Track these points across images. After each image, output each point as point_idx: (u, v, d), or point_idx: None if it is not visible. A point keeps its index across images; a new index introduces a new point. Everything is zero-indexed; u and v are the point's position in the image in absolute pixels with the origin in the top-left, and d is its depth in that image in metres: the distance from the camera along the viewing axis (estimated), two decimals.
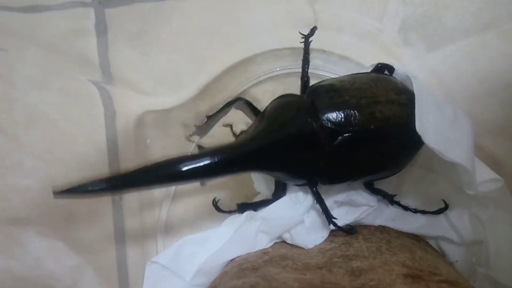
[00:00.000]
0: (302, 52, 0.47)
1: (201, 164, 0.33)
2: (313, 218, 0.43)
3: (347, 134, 0.39)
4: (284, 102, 0.41)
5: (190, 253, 0.45)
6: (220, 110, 0.46)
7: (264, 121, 0.39)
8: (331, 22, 0.49)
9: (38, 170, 0.52)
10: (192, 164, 0.32)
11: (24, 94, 0.48)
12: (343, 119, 0.39)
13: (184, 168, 0.32)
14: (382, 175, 0.43)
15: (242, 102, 0.44)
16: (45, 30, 0.46)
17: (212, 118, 0.47)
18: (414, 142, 0.42)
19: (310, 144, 0.38)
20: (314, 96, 0.41)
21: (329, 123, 0.39)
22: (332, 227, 0.42)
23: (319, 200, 0.41)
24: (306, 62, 0.44)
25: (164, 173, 0.32)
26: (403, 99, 0.41)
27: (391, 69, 0.45)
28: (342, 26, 0.49)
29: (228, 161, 0.34)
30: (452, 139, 0.38)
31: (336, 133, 0.39)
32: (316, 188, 0.42)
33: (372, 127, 0.39)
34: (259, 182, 0.47)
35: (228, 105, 0.45)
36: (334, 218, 0.41)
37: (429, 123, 0.37)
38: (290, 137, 0.38)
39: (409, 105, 0.41)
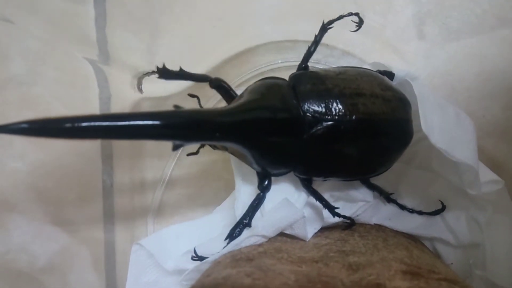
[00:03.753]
0: (304, 45, 0.46)
1: (186, 120, 0.30)
2: (308, 210, 0.42)
3: (327, 123, 0.37)
4: (267, 82, 0.40)
5: (177, 241, 0.44)
6: (193, 75, 0.43)
7: (246, 96, 0.38)
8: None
9: (28, 153, 0.51)
10: (173, 119, 0.29)
11: (20, 72, 0.46)
12: (323, 107, 0.38)
13: (162, 123, 0.28)
14: (364, 174, 0.42)
15: (220, 83, 0.42)
16: (45, 1, 0.45)
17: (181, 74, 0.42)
18: (398, 141, 0.41)
19: (289, 128, 0.37)
20: (296, 82, 0.40)
21: (309, 110, 0.37)
22: (328, 220, 0.42)
23: (318, 197, 0.40)
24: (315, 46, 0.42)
25: (140, 124, 0.28)
26: (388, 95, 0.40)
27: (390, 75, 0.44)
28: (347, 20, 0.48)
29: (211, 123, 0.32)
30: (457, 138, 0.37)
31: (315, 121, 0.37)
32: (312, 187, 0.41)
33: (354, 119, 0.38)
34: (238, 178, 0.45)
35: (205, 79, 0.43)
36: (336, 208, 0.41)
37: (433, 123, 0.37)
38: (269, 114, 0.36)
39: (394, 102, 0.40)
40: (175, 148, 0.31)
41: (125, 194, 0.52)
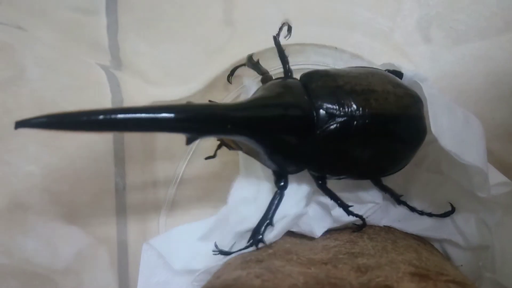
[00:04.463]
0: (313, 48, 0.47)
1: (199, 113, 0.31)
2: (315, 208, 0.43)
3: (339, 119, 0.37)
4: (279, 81, 0.41)
5: (185, 240, 0.45)
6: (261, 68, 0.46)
7: (258, 93, 0.38)
8: (344, 20, 0.49)
9: (42, 156, 0.52)
10: (186, 111, 0.30)
11: (34, 78, 0.47)
12: (336, 103, 0.38)
13: (176, 115, 0.29)
14: (377, 172, 0.42)
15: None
16: (56, 9, 0.46)
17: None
18: (411, 138, 0.41)
19: (301, 124, 0.37)
20: (307, 80, 0.40)
21: (321, 106, 0.37)
22: (340, 219, 0.42)
23: (333, 196, 0.41)
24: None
25: (154, 117, 0.29)
26: (400, 91, 0.40)
27: (399, 74, 0.45)
28: (355, 24, 0.49)
29: (224, 116, 0.32)
30: (466, 141, 0.37)
31: (328, 117, 0.37)
32: (326, 186, 0.41)
33: (366, 113, 0.38)
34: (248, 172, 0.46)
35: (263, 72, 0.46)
36: (350, 206, 0.41)
37: (443, 126, 0.37)
38: (281, 109, 0.37)
39: (406, 98, 0.40)
40: (189, 141, 0.32)
41: (137, 196, 0.53)
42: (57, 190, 0.52)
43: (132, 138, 0.52)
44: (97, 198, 0.52)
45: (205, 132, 0.32)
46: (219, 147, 0.45)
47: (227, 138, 0.38)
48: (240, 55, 0.51)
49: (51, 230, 0.51)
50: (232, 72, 0.50)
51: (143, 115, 0.28)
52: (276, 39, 0.44)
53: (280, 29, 0.45)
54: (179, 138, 0.52)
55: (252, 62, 0.47)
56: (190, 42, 0.51)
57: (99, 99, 0.52)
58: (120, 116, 0.28)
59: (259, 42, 0.51)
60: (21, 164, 0.52)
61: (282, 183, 0.41)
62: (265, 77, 0.45)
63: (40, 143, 0.52)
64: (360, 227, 0.43)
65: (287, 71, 0.44)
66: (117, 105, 0.52)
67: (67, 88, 0.49)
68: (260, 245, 0.40)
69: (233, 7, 0.51)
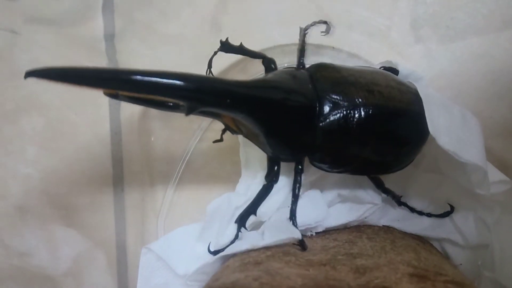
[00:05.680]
0: (310, 48, 0.47)
1: (201, 82, 0.31)
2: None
3: (342, 109, 0.38)
4: (285, 69, 0.41)
5: (185, 244, 0.45)
6: (251, 51, 0.46)
7: (265, 76, 0.40)
8: (341, 19, 0.49)
9: (40, 159, 0.52)
10: (188, 80, 0.30)
11: (30, 80, 0.47)
12: (339, 92, 0.38)
13: (178, 83, 0.30)
14: (378, 169, 0.42)
15: (270, 64, 0.45)
16: (53, 12, 0.46)
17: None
18: (415, 135, 0.41)
19: (303, 111, 0.37)
20: (313, 70, 0.41)
21: (324, 95, 0.38)
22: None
23: (294, 194, 0.40)
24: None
25: (158, 81, 0.29)
26: (403, 88, 0.41)
27: (395, 71, 0.45)
28: (352, 23, 0.49)
29: (224, 90, 0.33)
30: (464, 139, 0.37)
31: (331, 106, 0.38)
32: (300, 177, 0.41)
33: (370, 104, 0.38)
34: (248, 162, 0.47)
35: (260, 56, 0.45)
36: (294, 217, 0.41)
37: (440, 125, 0.37)
38: (283, 92, 0.37)
39: (409, 95, 0.40)
40: (188, 112, 0.32)
41: (136, 198, 0.53)
42: (55, 192, 0.52)
43: (130, 140, 0.52)
44: (95, 200, 0.52)
45: (204, 102, 0.32)
46: (223, 131, 0.45)
47: (226, 114, 0.37)
48: (238, 55, 0.51)
49: (49, 233, 0.51)
50: (210, 64, 0.48)
51: (146, 78, 0.29)
52: (302, 31, 0.47)
53: (313, 24, 0.47)
54: (177, 139, 0.52)
55: (229, 45, 0.45)
56: (187, 42, 0.51)
57: (96, 100, 0.52)
58: (123, 76, 0.29)
59: (257, 42, 0.51)
60: (20, 166, 0.52)
61: (272, 176, 0.41)
62: (266, 60, 0.45)
63: (38, 146, 0.52)
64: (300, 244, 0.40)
65: (300, 64, 0.45)
66: (115, 107, 0.52)
67: (64, 90, 0.49)
68: (242, 230, 0.41)
69: (231, 7, 0.51)
